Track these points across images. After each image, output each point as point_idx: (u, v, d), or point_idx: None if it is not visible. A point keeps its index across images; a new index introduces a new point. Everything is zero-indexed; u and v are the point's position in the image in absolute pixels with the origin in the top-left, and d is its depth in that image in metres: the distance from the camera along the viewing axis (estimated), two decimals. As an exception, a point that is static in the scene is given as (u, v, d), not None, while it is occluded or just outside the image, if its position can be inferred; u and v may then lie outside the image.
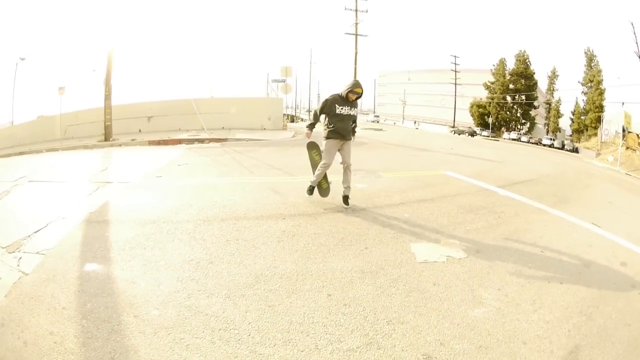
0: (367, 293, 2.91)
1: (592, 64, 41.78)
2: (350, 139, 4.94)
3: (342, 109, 4.76)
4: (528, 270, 3.52)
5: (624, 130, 30.55)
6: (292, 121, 41.72)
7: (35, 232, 3.83)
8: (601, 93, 39.71)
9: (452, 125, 49.13)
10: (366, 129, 27.35)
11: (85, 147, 12.19)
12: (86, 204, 4.92)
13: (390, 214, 4.86)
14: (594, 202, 7.31)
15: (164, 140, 12.69)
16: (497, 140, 37.21)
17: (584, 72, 42.32)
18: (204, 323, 2.44)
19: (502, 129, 45.53)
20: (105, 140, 12.98)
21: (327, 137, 4.80)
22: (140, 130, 15.55)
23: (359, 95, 4.81)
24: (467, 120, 50.46)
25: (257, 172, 7.38)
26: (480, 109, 47.97)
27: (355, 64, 31.08)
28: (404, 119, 56.54)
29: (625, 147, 28.82)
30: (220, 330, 2.38)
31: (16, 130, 16.83)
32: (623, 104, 33.57)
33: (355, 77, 31.99)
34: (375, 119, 57.97)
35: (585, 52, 42.48)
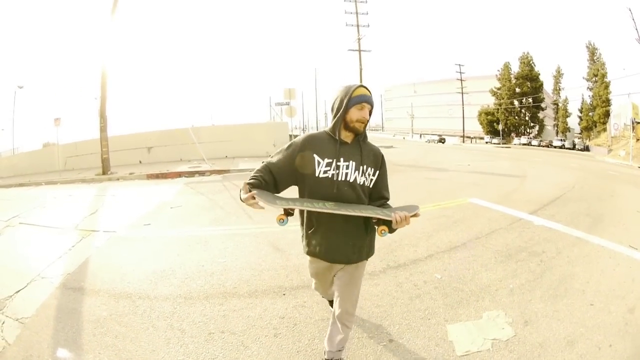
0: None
1: (595, 58, 41.39)
2: (355, 260, 2.18)
3: (330, 164, 2.06)
4: (580, 338, 2.87)
5: (633, 122, 29.79)
6: None
7: (17, 291, 3.73)
8: (606, 86, 39.15)
9: (462, 135, 48.46)
10: (379, 147, 26.57)
11: (83, 180, 11.80)
12: (66, 261, 4.59)
13: (417, 276, 4.03)
14: (624, 215, 6.76)
15: (163, 173, 12.14)
16: (509, 147, 36.45)
17: (588, 67, 42.04)
18: None
19: (512, 134, 44.85)
20: (103, 173, 12.50)
21: (307, 252, 2.24)
22: (140, 162, 15.09)
23: (369, 104, 2.10)
24: (476, 128, 49.87)
25: (256, 216, 6.52)
26: (489, 117, 47.50)
27: (361, 80, 30.65)
28: (413, 133, 55.76)
29: (635, 139, 27.98)
30: None
31: (18, 160, 16.84)
32: (629, 94, 32.80)
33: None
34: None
35: (587, 47, 42.10)
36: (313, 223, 2.14)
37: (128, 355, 2.65)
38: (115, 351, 2.70)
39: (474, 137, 50.15)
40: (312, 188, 2.07)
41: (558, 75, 45.97)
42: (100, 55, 13.47)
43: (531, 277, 3.94)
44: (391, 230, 1.95)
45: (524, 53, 46.33)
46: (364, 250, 2.19)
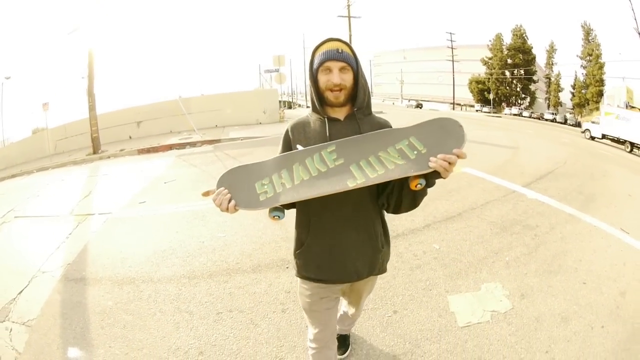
0: (403, 389, 2.26)
1: (590, 38, 41.18)
2: (364, 275, 1.69)
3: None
4: (573, 316, 2.97)
5: (626, 106, 30.13)
6: (290, 107, 40.70)
7: (20, 292, 3.61)
8: (601, 67, 39.16)
9: (452, 102, 48.33)
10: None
11: (74, 162, 11.60)
12: (65, 250, 4.50)
13: (416, 246, 4.13)
14: (616, 197, 6.80)
15: (154, 147, 11.98)
16: (500, 117, 36.46)
17: (582, 45, 41.69)
18: None
19: (503, 104, 44.83)
20: (94, 153, 12.30)
21: (298, 274, 1.75)
22: (130, 137, 14.84)
23: (338, 60, 1.52)
24: (466, 96, 49.69)
25: None
26: (480, 85, 47.22)
27: (350, 43, 30.00)
28: (402, 98, 55.46)
29: None
30: None
31: (8, 151, 16.52)
32: (624, 79, 32.95)
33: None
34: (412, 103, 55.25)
35: (582, 26, 41.71)
36: (303, 238, 1.65)
37: (139, 345, 2.69)
38: (126, 342, 2.73)
39: (465, 105, 50.04)
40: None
41: (551, 50, 45.59)
42: (86, 34, 13.00)
43: (526, 251, 4.05)
44: (430, 183, 1.41)
45: (517, 25, 45.74)
46: (377, 265, 1.70)
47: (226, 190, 1.46)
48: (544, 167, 8.90)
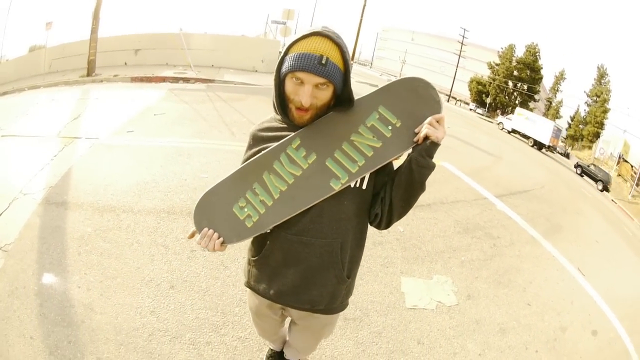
0: (347, 351, 2.55)
1: (603, 81, 41.93)
2: (322, 310, 1.43)
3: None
4: (511, 330, 3.26)
5: (620, 158, 31.05)
6: None
7: None
8: (605, 111, 40.27)
9: (449, 94, 48.35)
10: (361, 82, 26.18)
11: (67, 83, 11.26)
12: (49, 173, 4.47)
13: None
14: (582, 237, 7.07)
15: (148, 77, 11.73)
16: (491, 122, 36.81)
17: (593, 85, 42.68)
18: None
19: (498, 111, 45.22)
20: (88, 75, 11.96)
21: (247, 284, 1.54)
22: (126, 64, 14.43)
23: (316, 74, 1.13)
24: (464, 92, 49.91)
25: (238, 133, 6.71)
26: (480, 87, 47.36)
27: (362, 16, 29.41)
28: (400, 77, 55.64)
29: (617, 174, 29.31)
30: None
31: (3, 68, 15.78)
32: (625, 131, 33.93)
33: (359, 32, 30.28)
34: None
35: (598, 67, 42.72)
36: (261, 247, 1.40)
37: (114, 273, 2.86)
38: (101, 269, 2.88)
39: (459, 100, 50.31)
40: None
41: (560, 77, 46.20)
42: None
43: (482, 257, 4.37)
44: (429, 152, 1.22)
45: (532, 43, 45.73)
46: (338, 299, 1.44)
47: (211, 231, 1.32)
48: (521, 184, 9.14)
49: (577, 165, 24.72)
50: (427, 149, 1.19)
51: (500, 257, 4.53)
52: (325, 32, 1.15)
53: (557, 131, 27.80)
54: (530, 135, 26.50)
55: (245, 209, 1.30)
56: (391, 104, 1.24)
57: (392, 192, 1.28)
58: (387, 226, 1.37)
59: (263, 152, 1.31)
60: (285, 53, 1.19)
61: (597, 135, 39.28)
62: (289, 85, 1.20)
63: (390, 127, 1.23)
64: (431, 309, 3.19)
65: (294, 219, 1.28)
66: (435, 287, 3.53)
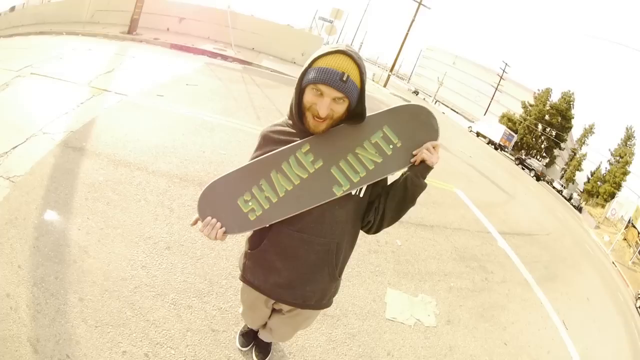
0: (317, 345, 2.62)
1: (629, 143, 41.68)
2: (312, 306, 1.55)
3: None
4: None
5: (629, 222, 30.78)
6: None
7: (14, 147, 3.60)
8: (625, 173, 39.98)
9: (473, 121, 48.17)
10: (396, 95, 26.11)
11: (106, 36, 11.49)
12: (72, 118, 4.59)
13: (381, 235, 4.43)
14: (575, 291, 6.97)
15: (187, 47, 11.92)
16: (512, 160, 36.75)
17: (618, 144, 42.38)
18: (143, 330, 2.22)
19: (522, 151, 44.74)
20: (129, 33, 12.18)
21: (242, 278, 1.62)
22: (168, 29, 14.69)
23: (336, 89, 1.23)
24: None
25: (264, 118, 6.82)
26: (510, 123, 46.99)
27: (408, 30, 29.42)
28: (435, 100, 55.13)
29: (623, 237, 29.00)
30: (157, 345, 2.16)
31: (45, 8, 16.12)
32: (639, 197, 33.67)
33: (402, 45, 30.27)
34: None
35: (627, 129, 42.36)
36: (260, 240, 1.50)
37: (116, 224, 2.98)
38: (104, 218, 3.00)
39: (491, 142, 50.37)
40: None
41: (589, 130, 45.79)
42: None
43: (471, 287, 4.37)
44: (422, 174, 1.39)
45: (568, 90, 45.35)
46: (327, 295, 1.58)
47: (214, 220, 1.39)
48: (527, 226, 9.06)
49: (517, 158, 30.62)
50: (421, 170, 1.36)
51: (489, 291, 4.53)
52: (348, 52, 1.26)
53: (509, 135, 37.16)
54: (487, 136, 35.18)
55: (250, 203, 1.39)
56: (395, 125, 1.39)
57: (385, 203, 1.42)
58: (377, 232, 1.50)
59: (273, 152, 1.40)
60: (309, 65, 1.29)
61: (612, 195, 38.76)
62: (309, 95, 1.30)
63: (391, 146, 1.38)
64: (409, 325, 3.23)
65: (297, 217, 1.38)
66: (419, 305, 3.57)
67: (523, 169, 30.41)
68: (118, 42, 10.94)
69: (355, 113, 1.37)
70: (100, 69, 7.19)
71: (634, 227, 31.34)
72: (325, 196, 1.36)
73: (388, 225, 1.47)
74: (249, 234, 1.56)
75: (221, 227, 1.38)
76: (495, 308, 4.25)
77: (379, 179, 1.39)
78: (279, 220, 1.39)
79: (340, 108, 1.30)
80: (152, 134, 4.69)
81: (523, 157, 32.89)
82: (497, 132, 35.74)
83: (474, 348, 3.40)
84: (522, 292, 5.07)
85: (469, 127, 37.91)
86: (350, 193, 1.38)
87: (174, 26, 14.93)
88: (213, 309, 2.53)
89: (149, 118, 5.23)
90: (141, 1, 12.39)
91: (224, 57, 12.15)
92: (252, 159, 1.47)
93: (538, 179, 29.05)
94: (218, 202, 1.41)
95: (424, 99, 50.75)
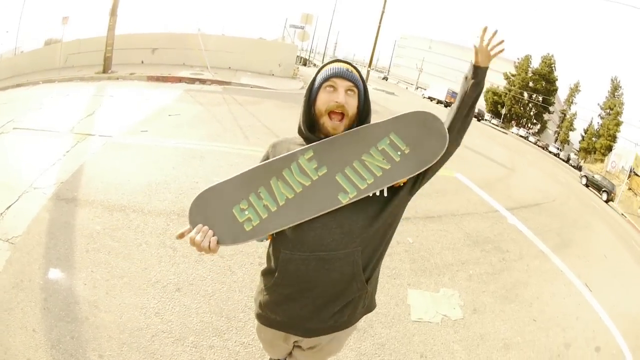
0: (348, 362, 2.53)
1: (616, 94, 41.79)
2: (342, 326, 1.39)
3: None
4: (515, 346, 3.22)
5: (631, 171, 30.73)
6: (305, 64, 40.12)
7: (8, 207, 3.58)
8: (618, 124, 40.02)
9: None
10: (378, 89, 26.15)
11: (82, 79, 11.45)
12: (60, 168, 4.54)
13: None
14: (591, 252, 6.94)
15: (164, 77, 11.86)
16: (506, 134, 36.72)
17: (606, 97, 42.47)
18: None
19: (512, 122, 44.85)
20: (104, 72, 12.15)
21: (257, 316, 1.45)
22: (142, 62, 14.63)
23: (347, 79, 1.34)
24: (480, 103, 49.79)
25: (252, 137, 6.72)
26: (495, 97, 47.10)
27: (380, 22, 29.38)
28: (417, 86, 55.38)
29: (628, 187, 28.98)
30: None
31: (19, 60, 16.14)
32: (636, 144, 33.58)
33: (376, 38, 30.27)
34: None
35: (612, 80, 42.51)
36: (271, 275, 1.35)
37: (121, 273, 2.89)
38: (108, 268, 2.91)
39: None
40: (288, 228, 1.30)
41: (575, 89, 45.94)
42: None
43: (490, 270, 4.30)
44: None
45: (548, 54, 45.44)
46: (359, 308, 1.40)
47: (206, 227, 1.27)
48: (532, 197, 9.03)
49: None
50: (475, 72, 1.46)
51: (508, 271, 4.47)
52: (343, 60, 1.43)
53: (453, 93, 38.97)
54: (435, 97, 39.87)
55: (246, 212, 1.28)
56: (402, 132, 1.35)
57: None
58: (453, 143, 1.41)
59: (273, 158, 1.34)
60: (315, 76, 1.40)
61: (609, 149, 38.85)
62: (323, 96, 1.35)
63: (399, 153, 1.32)
64: (436, 323, 3.15)
65: (305, 236, 1.25)
66: (442, 300, 3.49)
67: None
68: (95, 82, 10.89)
69: (363, 116, 1.42)
70: (81, 113, 7.11)
71: (637, 175, 31.33)
72: (329, 204, 1.25)
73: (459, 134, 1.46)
74: (264, 266, 1.43)
75: (213, 235, 1.26)
76: (518, 286, 4.20)
77: (388, 185, 1.31)
78: (277, 231, 1.26)
79: (353, 101, 1.36)
80: (142, 173, 4.61)
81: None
82: (442, 92, 40.31)
83: (505, 331, 3.35)
84: (540, 264, 5.04)
85: (422, 95, 42.95)
86: (369, 195, 1.28)
87: (148, 58, 14.87)
88: (235, 345, 2.44)
89: (136, 156, 5.14)
90: (111, 38, 12.36)
91: (202, 81, 12.10)
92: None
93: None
94: (211, 210, 1.30)
95: (407, 88, 50.94)
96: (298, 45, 19.93)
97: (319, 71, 1.41)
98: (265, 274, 1.40)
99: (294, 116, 1.34)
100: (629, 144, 36.46)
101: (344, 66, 1.38)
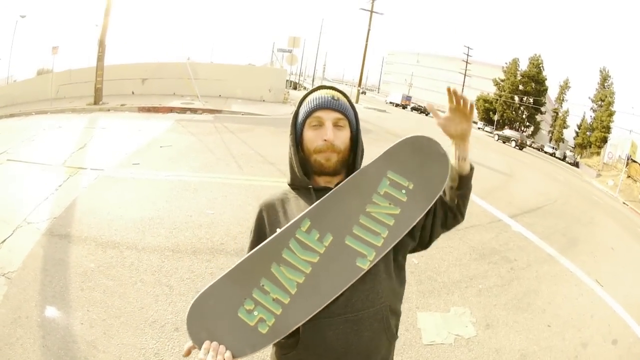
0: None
1: (606, 84, 41.92)
2: None
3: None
4: (532, 355, 3.12)
5: (628, 159, 30.65)
6: (295, 88, 40.36)
7: (3, 241, 3.61)
8: (610, 114, 39.95)
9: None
10: (369, 108, 26.30)
11: (74, 110, 11.54)
12: (53, 203, 4.52)
13: None
14: (598, 246, 6.89)
15: (155, 107, 11.91)
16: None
17: (597, 89, 42.44)
18: None
19: (506, 127, 45.09)
20: (95, 103, 12.21)
21: None
22: (133, 93, 14.70)
23: (333, 109, 1.19)
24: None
25: (245, 166, 6.66)
26: (487, 104, 47.48)
27: (367, 41, 29.90)
28: (379, 90, 56.53)
29: (626, 175, 28.91)
30: None
31: (11, 89, 16.31)
32: (631, 132, 33.58)
33: (364, 56, 30.70)
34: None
35: (600, 71, 42.60)
36: (293, 338, 1.11)
37: (117, 312, 2.77)
38: (104, 307, 2.81)
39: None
40: None
41: (565, 86, 46.22)
42: None
43: (499, 283, 4.19)
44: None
45: (535, 54, 45.98)
46: (390, 356, 1.25)
47: (215, 343, 1.02)
48: (534, 201, 9.00)
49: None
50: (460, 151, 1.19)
51: (518, 280, 4.37)
52: (327, 85, 1.27)
53: (407, 97, 47.99)
54: (394, 101, 47.37)
55: (255, 312, 1.06)
56: (399, 166, 1.16)
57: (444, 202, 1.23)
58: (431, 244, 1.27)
59: (265, 241, 1.11)
60: (298, 108, 1.24)
61: (604, 140, 38.66)
62: (309, 134, 1.20)
63: (404, 191, 1.14)
64: (449, 344, 3.01)
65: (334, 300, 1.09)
66: (453, 319, 3.35)
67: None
68: (86, 114, 11.00)
69: (357, 150, 1.25)
70: (73, 146, 7.10)
71: (635, 161, 31.25)
72: (350, 276, 1.07)
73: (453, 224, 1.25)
74: None
75: (226, 351, 1.02)
76: (529, 294, 4.11)
77: (406, 233, 1.13)
78: (298, 325, 1.06)
79: (344, 135, 1.20)
80: (135, 207, 4.53)
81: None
82: (398, 97, 47.70)
83: (520, 342, 3.25)
84: (549, 268, 4.98)
85: (385, 101, 49.18)
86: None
87: (138, 88, 14.94)
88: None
89: (128, 190, 5.07)
90: (101, 69, 12.45)
91: (193, 111, 12.11)
92: (251, 242, 1.21)
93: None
94: (212, 321, 1.06)
95: (396, 105, 51.23)
96: (287, 69, 20.06)
97: (301, 102, 1.25)
98: (282, 345, 1.14)
99: (287, 142, 1.17)
100: (623, 133, 36.15)
101: (329, 94, 1.22)
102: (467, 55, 52.58)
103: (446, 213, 1.23)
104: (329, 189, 1.16)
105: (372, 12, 28.22)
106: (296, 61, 18.92)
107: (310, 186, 1.21)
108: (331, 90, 1.24)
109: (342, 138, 1.19)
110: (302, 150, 1.23)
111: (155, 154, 6.92)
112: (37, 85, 15.16)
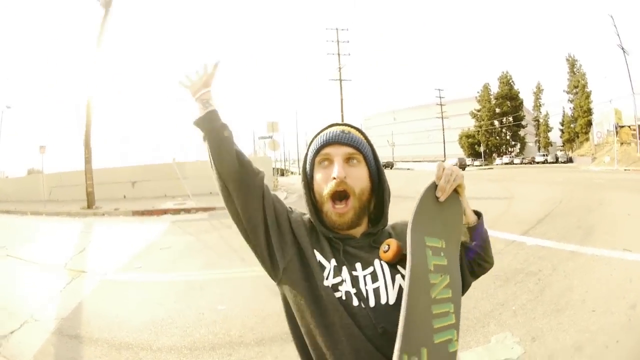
0: None
1: (575, 69, 42.69)
2: None
3: (338, 271, 1.00)
4: (586, 343, 3.02)
5: (616, 127, 30.78)
6: (283, 174, 40.77)
7: (12, 332, 3.65)
8: (587, 96, 40.36)
9: (443, 160, 49.73)
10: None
11: (69, 214, 11.86)
12: (58, 304, 4.49)
13: None
14: (615, 221, 6.99)
15: (149, 210, 12.02)
16: (491, 168, 37.15)
17: (568, 79, 43.14)
18: None
19: (493, 155, 45.69)
20: (88, 207, 12.41)
21: None
22: (124, 197, 14.90)
23: (341, 143, 1.05)
24: (457, 152, 50.22)
25: (248, 258, 6.42)
26: (470, 139, 48.38)
27: (342, 110, 31.20)
28: (394, 161, 55.71)
29: (620, 143, 28.95)
30: None
31: (3, 185, 16.65)
32: (611, 101, 33.98)
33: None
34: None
35: (567, 59, 43.34)
36: None
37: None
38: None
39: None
40: (318, 314, 0.99)
41: (538, 92, 47.45)
42: (86, 84, 13.52)
43: (531, 297, 4.04)
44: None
45: (503, 72, 47.68)
46: None
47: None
48: (540, 211, 8.99)
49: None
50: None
51: (549, 287, 4.27)
52: (338, 122, 1.13)
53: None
54: None
55: None
56: (427, 227, 1.03)
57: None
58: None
59: None
60: (307, 149, 1.12)
61: (589, 124, 38.81)
62: (319, 176, 1.05)
63: (442, 254, 1.03)
64: (500, 371, 2.80)
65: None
66: (497, 347, 3.15)
67: None
68: (81, 218, 11.25)
69: (380, 192, 1.10)
70: (72, 249, 7.13)
71: (622, 126, 31.22)
72: None
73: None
74: None
75: None
76: (564, 294, 4.04)
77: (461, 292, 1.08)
78: None
79: (358, 172, 1.04)
80: (143, 310, 4.35)
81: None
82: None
83: (570, 338, 3.14)
84: (575, 263, 4.98)
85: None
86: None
87: (129, 192, 15.13)
88: None
89: (134, 293, 4.93)
90: (90, 172, 12.75)
91: (187, 211, 12.19)
92: (275, 201, 1.12)
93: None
94: None
95: (389, 167, 51.54)
96: (271, 156, 20.41)
97: (311, 142, 1.11)
98: None
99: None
100: (604, 106, 35.92)
101: (339, 128, 1.07)
102: (440, 97, 53.79)
103: (471, 265, 1.17)
104: (353, 237, 1.05)
105: (341, 80, 29.83)
106: (278, 146, 19.25)
107: (331, 236, 1.05)
108: (340, 126, 1.09)
109: (356, 175, 1.03)
110: (314, 198, 1.08)
111: (156, 256, 6.84)
112: (29, 184, 15.56)
